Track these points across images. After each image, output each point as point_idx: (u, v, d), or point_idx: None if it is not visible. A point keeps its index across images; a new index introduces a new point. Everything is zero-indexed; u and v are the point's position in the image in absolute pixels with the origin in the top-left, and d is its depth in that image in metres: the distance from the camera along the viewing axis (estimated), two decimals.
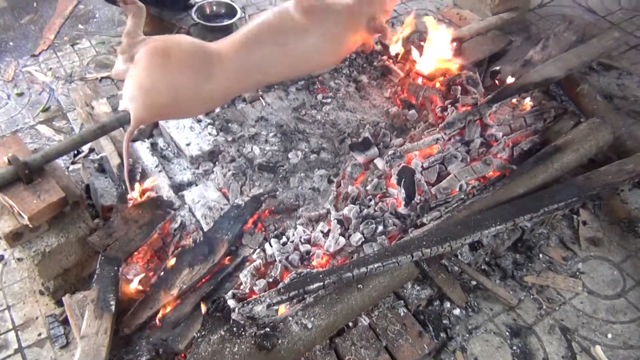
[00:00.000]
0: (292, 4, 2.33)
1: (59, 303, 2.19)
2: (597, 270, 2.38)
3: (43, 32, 3.46)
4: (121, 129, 2.44)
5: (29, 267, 2.16)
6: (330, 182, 2.53)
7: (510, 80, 2.86)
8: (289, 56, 2.27)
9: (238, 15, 3.53)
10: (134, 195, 2.29)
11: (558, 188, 2.32)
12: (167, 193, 2.45)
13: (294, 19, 2.28)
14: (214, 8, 3.64)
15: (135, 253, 2.19)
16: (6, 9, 3.67)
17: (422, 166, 2.47)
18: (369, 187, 2.42)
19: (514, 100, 2.77)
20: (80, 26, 3.54)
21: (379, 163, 2.52)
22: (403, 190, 2.33)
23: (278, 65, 2.28)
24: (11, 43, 3.40)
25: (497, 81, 2.93)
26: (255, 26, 2.23)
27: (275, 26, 2.25)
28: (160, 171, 2.56)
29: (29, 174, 1.98)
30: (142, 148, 2.65)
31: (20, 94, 3.07)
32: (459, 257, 2.26)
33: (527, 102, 2.80)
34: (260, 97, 2.96)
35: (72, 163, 2.71)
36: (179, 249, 2.22)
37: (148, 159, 2.60)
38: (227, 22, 3.50)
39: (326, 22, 2.37)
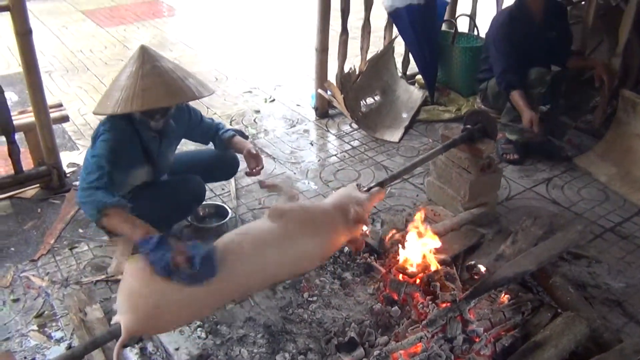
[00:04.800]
0: (266, 215, 2.62)
1: None
2: None
3: (44, 237, 3.67)
4: None
5: None
6: None
7: (485, 274, 3.02)
8: (268, 269, 2.50)
9: (229, 216, 3.80)
10: None
11: None
12: None
13: (270, 230, 2.54)
14: (206, 210, 3.91)
15: None
16: (11, 215, 3.92)
17: None
18: None
19: (492, 294, 2.91)
20: (80, 230, 3.76)
21: None
22: None
23: (259, 278, 2.51)
24: (12, 249, 3.58)
25: (473, 275, 3.09)
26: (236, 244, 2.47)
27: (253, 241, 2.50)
28: None
29: None
30: (131, 355, 2.68)
31: (16, 300, 3.16)
32: None
33: (504, 296, 2.93)
34: (249, 297, 3.07)
35: None
36: None
37: None
38: (219, 222, 3.75)
39: (303, 228, 2.62)
